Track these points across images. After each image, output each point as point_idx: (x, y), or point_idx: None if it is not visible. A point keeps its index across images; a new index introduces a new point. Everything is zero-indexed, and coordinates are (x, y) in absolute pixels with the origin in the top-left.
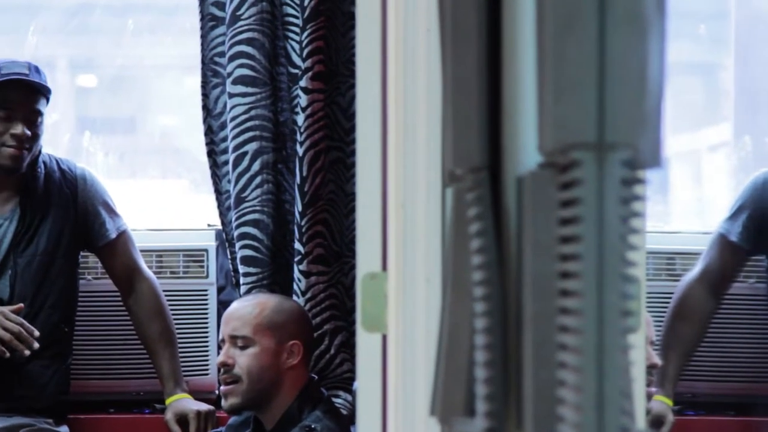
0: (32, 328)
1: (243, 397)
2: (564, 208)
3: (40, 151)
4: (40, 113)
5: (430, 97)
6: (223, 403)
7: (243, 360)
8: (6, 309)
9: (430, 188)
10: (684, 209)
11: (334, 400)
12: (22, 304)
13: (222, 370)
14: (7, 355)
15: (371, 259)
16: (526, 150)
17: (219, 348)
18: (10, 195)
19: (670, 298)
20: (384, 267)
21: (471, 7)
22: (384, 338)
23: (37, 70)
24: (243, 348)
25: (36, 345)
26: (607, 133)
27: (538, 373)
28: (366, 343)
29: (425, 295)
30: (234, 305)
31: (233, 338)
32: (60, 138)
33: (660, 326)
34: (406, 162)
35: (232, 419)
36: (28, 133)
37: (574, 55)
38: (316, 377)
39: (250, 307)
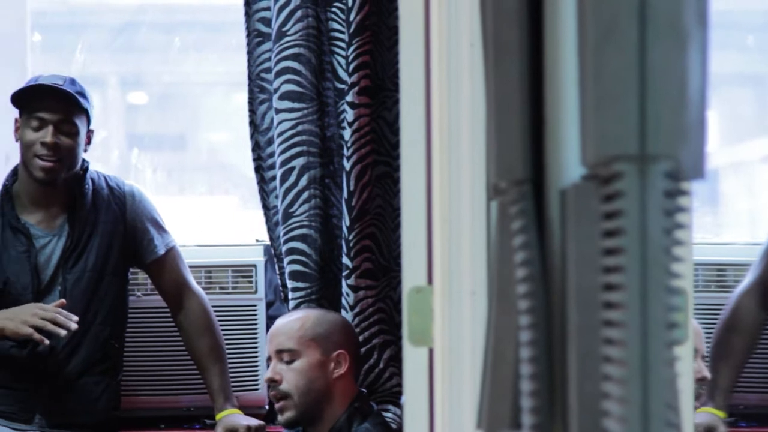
0: (70, 315)
1: (297, 410)
2: (607, 220)
3: (87, 168)
4: (74, 124)
5: (473, 111)
6: (279, 417)
7: (290, 375)
8: (46, 305)
9: (475, 202)
10: (735, 220)
11: (384, 414)
12: (63, 300)
13: (270, 386)
14: (46, 342)
15: (417, 273)
16: (568, 162)
17: (268, 365)
18: (59, 212)
19: (720, 309)
20: (429, 281)
21: (512, 21)
22: (430, 352)
23: (72, 82)
24: (289, 362)
25: (74, 326)
26: (648, 144)
27: (582, 385)
28: (412, 357)
29: (471, 308)
30: (278, 322)
31: (279, 353)
32: (108, 155)
33: (710, 338)
34: (450, 176)
35: None
36: (59, 141)
37: (615, 66)
38: (366, 391)
39: (292, 321)
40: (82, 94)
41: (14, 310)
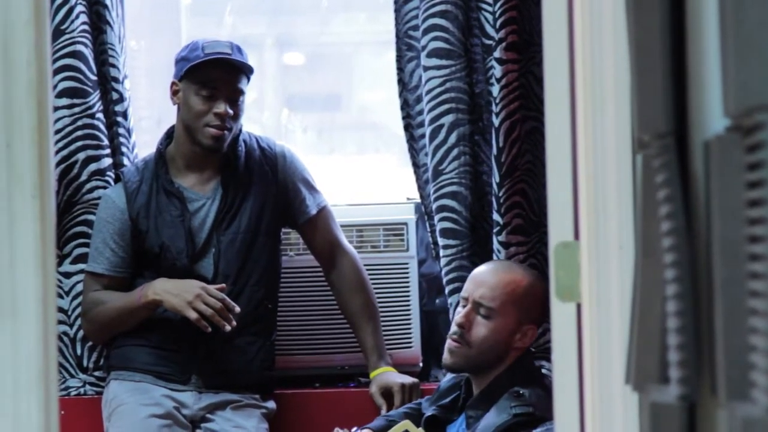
0: (233, 304)
1: (467, 361)
2: (751, 171)
3: (240, 130)
4: (241, 92)
5: (617, 65)
6: (445, 357)
7: (480, 329)
8: (209, 286)
9: (620, 156)
10: None
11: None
12: (224, 284)
13: (456, 328)
14: (209, 330)
15: (563, 229)
16: (711, 114)
17: (458, 304)
18: (212, 174)
19: None
20: (576, 236)
21: None
22: (578, 307)
23: (239, 49)
24: (485, 317)
25: (233, 323)
26: None
27: (729, 338)
28: (560, 313)
29: (618, 262)
30: (488, 270)
31: (478, 305)
32: (260, 116)
33: None
34: (595, 130)
35: (443, 381)
36: (231, 112)
37: (757, 17)
38: (533, 349)
39: (505, 279)
40: (247, 61)
41: (177, 286)
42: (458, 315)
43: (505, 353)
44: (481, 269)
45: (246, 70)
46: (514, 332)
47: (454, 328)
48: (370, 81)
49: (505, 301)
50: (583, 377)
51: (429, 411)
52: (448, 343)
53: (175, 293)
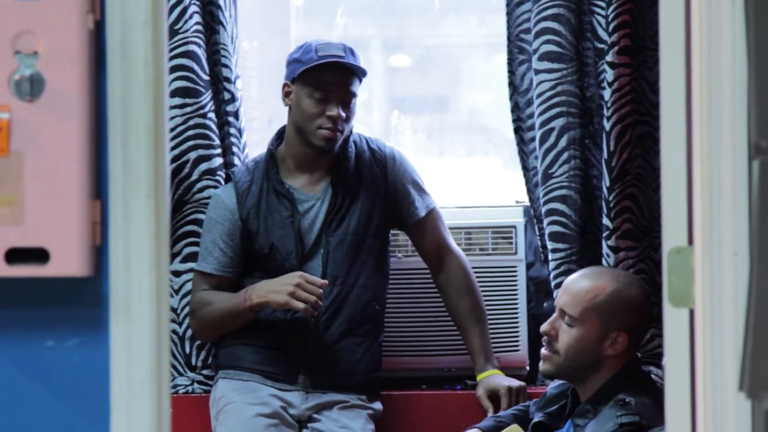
0: (320, 303)
1: (557, 368)
2: None
3: (351, 132)
4: (354, 95)
5: (735, 69)
6: (540, 364)
7: (564, 336)
8: (307, 275)
9: (736, 161)
10: None
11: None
12: (326, 282)
13: (544, 336)
14: (316, 313)
15: (677, 234)
16: None
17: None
18: (322, 175)
19: None
20: (690, 241)
21: None
22: (691, 313)
23: (352, 52)
24: (568, 325)
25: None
26: None
27: None
28: (673, 318)
29: (732, 269)
30: (575, 277)
31: (563, 312)
32: (369, 117)
33: None
34: (711, 135)
35: (550, 388)
36: (343, 114)
37: None
38: (639, 355)
39: (587, 287)
40: (360, 64)
41: (278, 282)
42: (545, 323)
43: (598, 361)
44: (571, 277)
45: (359, 73)
46: (601, 340)
47: (542, 336)
48: (479, 83)
49: (586, 308)
50: (696, 384)
51: (536, 417)
52: (541, 350)
53: (277, 290)
